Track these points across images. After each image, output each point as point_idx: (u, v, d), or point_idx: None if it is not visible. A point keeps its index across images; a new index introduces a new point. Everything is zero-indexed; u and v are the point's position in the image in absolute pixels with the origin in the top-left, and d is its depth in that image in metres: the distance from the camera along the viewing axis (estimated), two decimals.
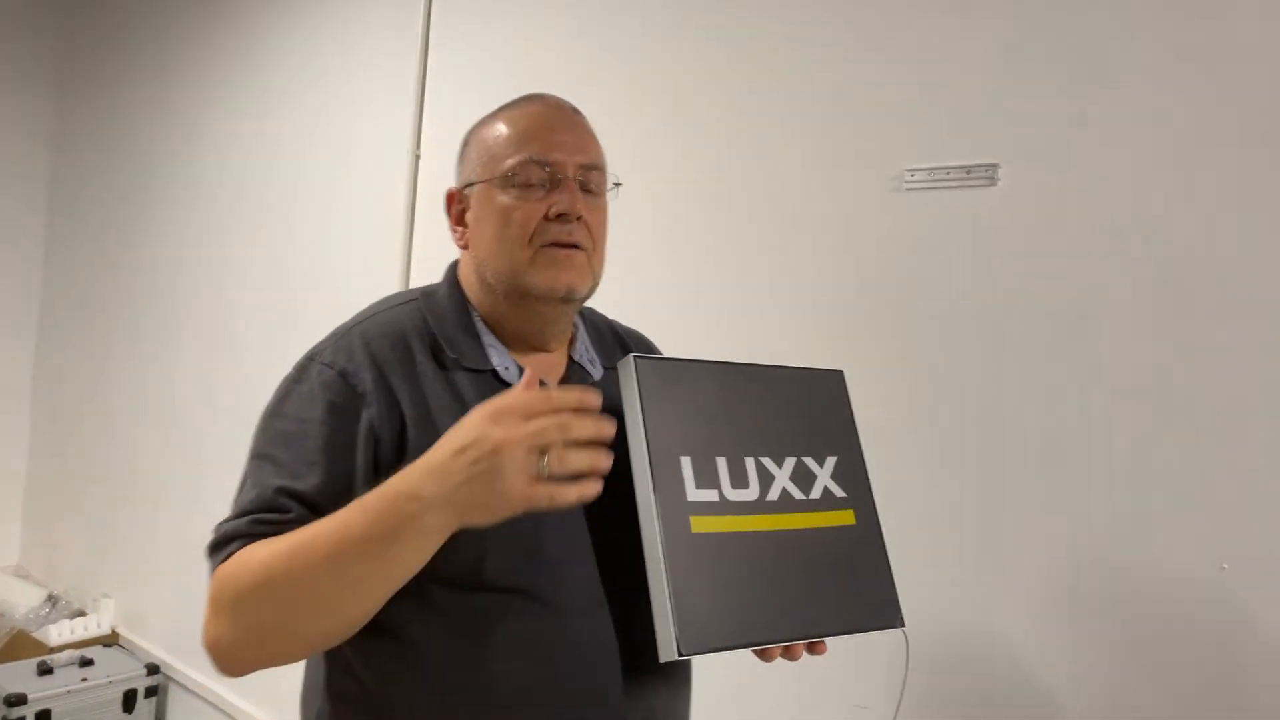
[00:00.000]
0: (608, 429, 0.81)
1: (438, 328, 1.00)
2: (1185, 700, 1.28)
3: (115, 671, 3.04)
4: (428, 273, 2.32)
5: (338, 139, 2.66)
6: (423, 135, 2.41)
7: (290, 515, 0.87)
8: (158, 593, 3.22)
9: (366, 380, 0.93)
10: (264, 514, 0.88)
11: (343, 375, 0.94)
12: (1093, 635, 1.36)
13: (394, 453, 0.91)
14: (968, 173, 1.49)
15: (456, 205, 1.05)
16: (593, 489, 0.80)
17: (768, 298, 1.72)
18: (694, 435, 0.97)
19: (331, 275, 2.64)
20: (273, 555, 0.83)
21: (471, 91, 2.33)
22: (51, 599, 3.46)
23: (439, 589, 0.90)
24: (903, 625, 1.03)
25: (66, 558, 3.67)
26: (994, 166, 1.47)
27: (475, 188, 1.01)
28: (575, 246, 0.97)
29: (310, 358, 0.98)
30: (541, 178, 0.96)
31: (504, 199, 0.97)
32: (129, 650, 3.25)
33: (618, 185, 1.05)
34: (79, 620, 3.30)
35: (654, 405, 0.95)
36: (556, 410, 0.78)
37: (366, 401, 0.92)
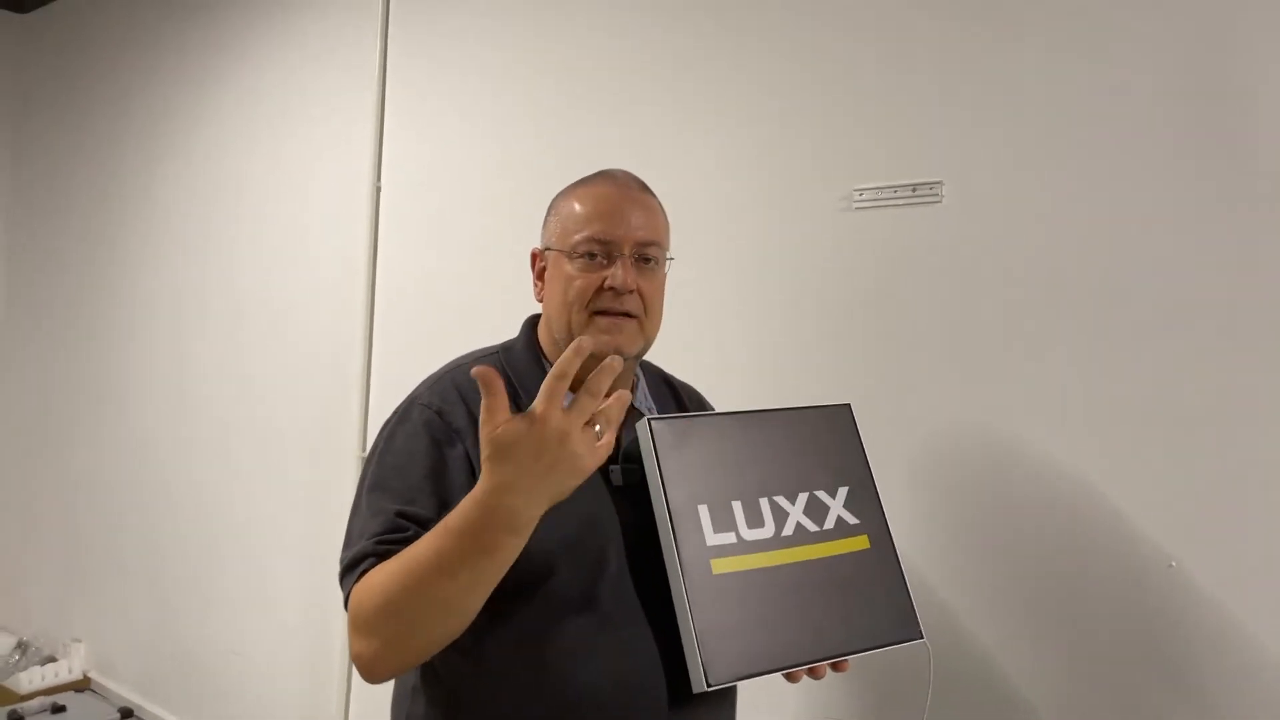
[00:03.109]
0: (615, 365, 0.86)
1: (515, 377, 1.13)
2: (1138, 691, 1.32)
3: (88, 717, 3.00)
4: (391, 303, 2.38)
5: (300, 174, 2.68)
6: (383, 168, 2.44)
7: (408, 533, 0.98)
8: (129, 634, 3.19)
9: (460, 417, 1.07)
10: (387, 534, 0.99)
11: (440, 414, 1.08)
12: (1050, 636, 1.40)
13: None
14: (913, 190, 1.54)
15: (538, 263, 1.19)
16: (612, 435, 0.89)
17: (723, 317, 1.76)
18: (710, 484, 1.07)
19: (298, 310, 2.65)
20: (388, 578, 0.94)
21: (426, 123, 2.36)
22: (21, 646, 3.41)
23: (510, 601, 0.99)
24: (922, 637, 1.12)
25: (34, 602, 3.62)
26: (938, 184, 1.52)
27: (550, 253, 1.15)
28: (626, 315, 1.10)
29: (412, 401, 1.12)
30: (601, 253, 1.10)
31: (569, 268, 1.11)
32: (101, 695, 3.21)
33: (670, 260, 1.18)
34: (50, 666, 3.25)
35: (670, 462, 1.05)
36: (562, 378, 0.84)
37: (462, 435, 1.06)
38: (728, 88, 1.80)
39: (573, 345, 0.84)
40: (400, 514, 1.01)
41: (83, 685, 3.25)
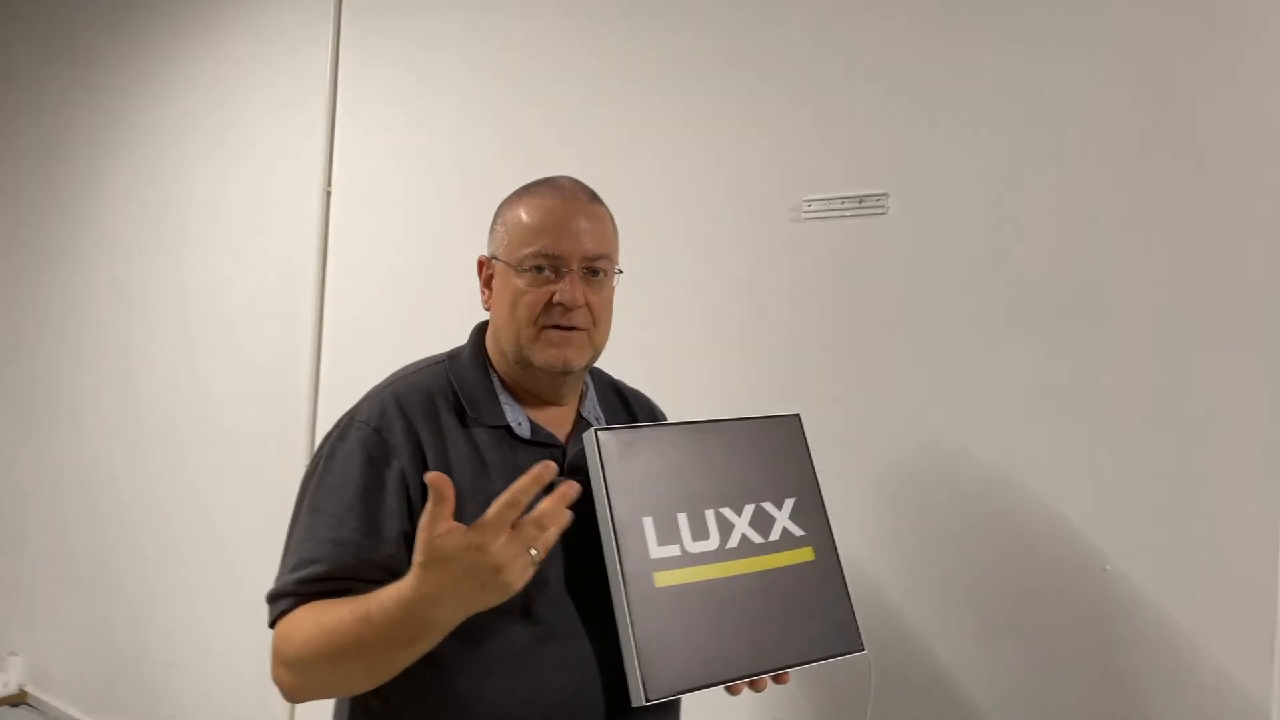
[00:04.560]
0: (569, 492, 0.90)
1: (460, 389, 1.13)
2: (1082, 689, 1.36)
3: None
4: (341, 304, 2.36)
5: (251, 179, 2.65)
6: (334, 173, 2.42)
7: (325, 569, 1.01)
8: (68, 647, 3.11)
9: (397, 433, 1.07)
10: (308, 571, 1.01)
11: (377, 431, 1.07)
12: (1000, 632, 1.44)
13: (420, 495, 1.02)
14: (860, 202, 1.57)
15: (485, 270, 1.18)
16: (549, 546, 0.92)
17: (676, 325, 1.77)
18: (655, 496, 1.07)
19: (248, 315, 2.62)
20: (308, 642, 0.97)
21: (377, 127, 2.35)
22: None
23: None
24: (863, 649, 1.12)
25: None
26: (884, 195, 1.55)
27: (498, 263, 1.14)
28: (574, 328, 1.10)
29: (351, 417, 1.11)
30: (550, 267, 1.09)
31: (518, 282, 1.10)
32: (39, 709, 3.13)
33: (620, 273, 1.17)
34: None
35: (615, 474, 1.05)
36: (514, 506, 0.86)
37: (397, 453, 1.06)
38: (681, 96, 1.81)
39: (533, 473, 0.85)
40: (325, 540, 1.02)
41: (19, 699, 3.17)
